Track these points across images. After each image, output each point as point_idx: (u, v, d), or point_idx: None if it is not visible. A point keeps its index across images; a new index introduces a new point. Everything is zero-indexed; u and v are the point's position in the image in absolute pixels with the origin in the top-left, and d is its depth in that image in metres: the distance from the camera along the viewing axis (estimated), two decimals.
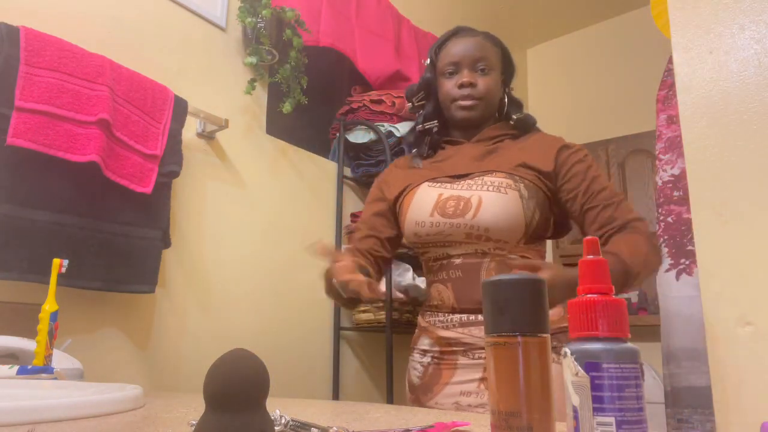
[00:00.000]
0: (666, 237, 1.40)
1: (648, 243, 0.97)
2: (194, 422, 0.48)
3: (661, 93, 1.51)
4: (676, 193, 1.41)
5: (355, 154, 2.02)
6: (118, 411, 0.61)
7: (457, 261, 1.05)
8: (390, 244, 1.18)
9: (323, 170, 1.98)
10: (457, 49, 1.14)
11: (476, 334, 1.03)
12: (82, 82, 1.16)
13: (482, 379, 1.01)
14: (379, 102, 1.96)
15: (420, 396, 1.09)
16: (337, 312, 1.89)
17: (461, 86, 1.11)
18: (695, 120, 1.00)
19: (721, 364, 0.92)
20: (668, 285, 1.36)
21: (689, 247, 1.34)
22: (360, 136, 1.97)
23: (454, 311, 1.05)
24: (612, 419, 0.32)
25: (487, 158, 1.11)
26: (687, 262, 1.35)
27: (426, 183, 1.12)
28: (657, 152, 1.48)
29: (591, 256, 0.37)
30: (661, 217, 1.42)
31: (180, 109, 1.39)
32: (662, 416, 1.31)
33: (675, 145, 1.43)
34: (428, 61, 1.20)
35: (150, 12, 1.48)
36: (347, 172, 2.04)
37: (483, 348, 1.00)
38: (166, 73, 1.46)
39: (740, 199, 0.94)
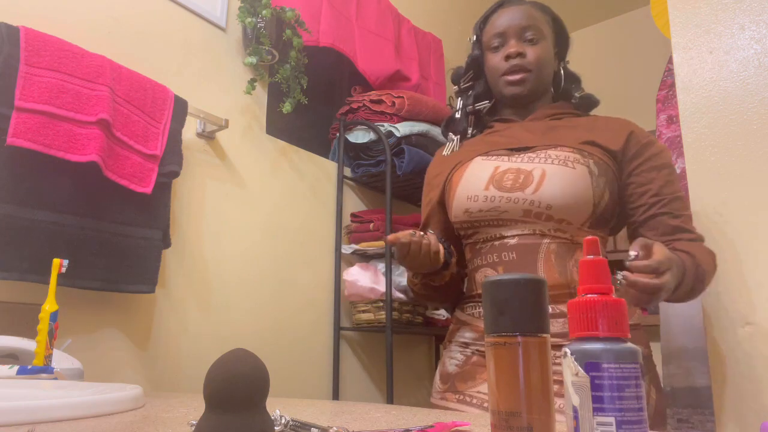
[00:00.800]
0: None
1: (709, 252, 0.89)
2: (194, 422, 0.48)
3: (661, 93, 1.51)
4: None
5: (355, 154, 2.03)
6: (118, 411, 0.61)
7: (512, 241, 0.92)
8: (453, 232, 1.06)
9: (323, 170, 1.98)
10: (502, 19, 1.03)
11: None
12: (82, 82, 1.16)
13: None
14: (379, 102, 1.96)
15: (457, 383, 0.97)
16: (337, 312, 1.89)
17: (508, 57, 1.01)
18: (695, 120, 1.00)
19: (721, 364, 0.92)
20: None
21: None
22: (360, 136, 1.97)
23: None
24: (612, 419, 0.32)
25: (549, 133, 0.98)
26: None
27: (479, 156, 1.00)
28: None
29: (591, 256, 0.37)
30: None
31: (180, 109, 1.39)
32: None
33: (675, 145, 1.43)
34: (473, 37, 1.09)
35: (150, 12, 1.48)
36: (347, 172, 2.04)
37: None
38: (166, 73, 1.46)
39: (740, 199, 0.94)
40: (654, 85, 1.62)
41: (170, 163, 1.33)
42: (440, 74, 2.44)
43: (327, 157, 2.02)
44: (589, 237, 0.38)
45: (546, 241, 0.91)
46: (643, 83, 2.84)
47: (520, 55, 1.00)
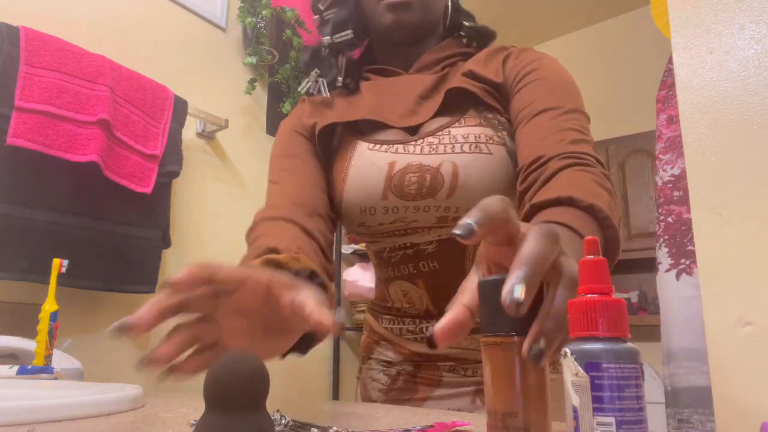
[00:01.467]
0: (666, 237, 1.40)
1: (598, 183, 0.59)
2: (194, 422, 0.48)
3: (661, 93, 1.51)
4: (676, 193, 1.41)
5: None
6: (118, 411, 0.61)
7: (429, 249, 0.74)
8: (331, 220, 0.76)
9: None
10: None
11: (466, 345, 0.74)
12: (82, 82, 1.16)
13: (476, 393, 0.76)
14: None
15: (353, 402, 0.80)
16: (337, 312, 1.89)
17: None
18: (695, 120, 1.00)
19: (721, 364, 0.92)
20: (668, 285, 1.36)
21: (689, 247, 1.34)
22: None
23: (429, 316, 0.76)
24: (612, 419, 0.32)
25: (440, 92, 0.76)
26: (687, 262, 1.35)
27: (364, 143, 0.75)
28: (657, 152, 1.48)
29: (591, 256, 0.37)
30: (661, 217, 1.42)
31: (180, 109, 1.39)
32: (662, 416, 1.31)
33: (675, 145, 1.43)
34: None
35: (150, 12, 1.48)
36: None
37: (476, 361, 0.75)
38: (166, 73, 1.46)
39: (740, 199, 0.94)
40: (654, 85, 1.62)
41: (170, 163, 1.33)
42: None
43: None
44: (589, 237, 0.38)
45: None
46: (643, 83, 2.84)
47: None
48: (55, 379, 0.83)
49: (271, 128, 1.80)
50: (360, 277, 1.82)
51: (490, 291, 0.39)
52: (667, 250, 1.39)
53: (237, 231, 1.62)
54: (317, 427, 0.45)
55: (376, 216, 0.73)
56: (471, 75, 0.74)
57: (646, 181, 2.81)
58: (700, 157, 0.98)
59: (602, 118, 3.23)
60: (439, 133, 0.73)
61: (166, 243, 1.35)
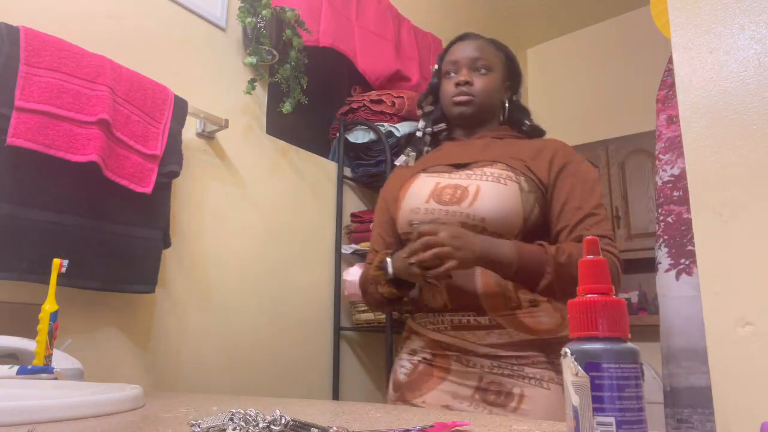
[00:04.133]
0: (666, 237, 1.40)
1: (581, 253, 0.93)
2: (194, 422, 0.48)
3: (661, 93, 1.51)
4: (676, 193, 1.41)
5: (355, 154, 2.02)
6: (118, 411, 0.61)
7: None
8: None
9: (323, 170, 1.98)
10: (458, 50, 1.16)
11: (470, 339, 0.99)
12: (82, 82, 1.16)
13: (477, 389, 0.97)
14: (379, 102, 1.96)
15: (406, 393, 1.04)
16: (337, 312, 1.89)
17: (457, 84, 1.12)
18: (695, 120, 1.00)
19: (721, 364, 0.91)
20: (668, 285, 1.36)
21: (689, 247, 1.34)
22: (360, 136, 1.97)
23: (446, 310, 1.01)
24: (612, 419, 0.32)
25: (489, 149, 1.09)
26: (687, 262, 1.35)
27: (423, 173, 1.10)
28: (657, 152, 1.48)
29: (591, 256, 0.37)
30: (661, 217, 1.42)
31: (180, 109, 1.39)
32: (662, 416, 1.31)
33: (675, 145, 1.43)
34: (435, 67, 1.21)
35: (150, 12, 1.48)
36: (347, 172, 2.04)
37: (477, 355, 0.98)
38: (166, 73, 1.46)
39: (740, 199, 0.94)
40: (654, 85, 1.62)
41: (170, 163, 1.33)
42: None
43: (327, 157, 2.02)
44: (589, 237, 0.38)
45: None
46: (643, 83, 2.84)
47: (468, 83, 1.11)
48: (55, 379, 0.83)
49: (271, 128, 1.80)
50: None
51: None
52: (666, 250, 1.39)
53: (237, 231, 1.63)
54: (317, 427, 0.45)
55: (419, 215, 1.02)
56: (521, 161, 1.03)
57: (646, 181, 2.81)
58: (700, 157, 0.98)
59: (602, 118, 3.23)
60: (476, 168, 1.04)
61: (166, 243, 1.35)
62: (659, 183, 1.44)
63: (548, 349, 0.97)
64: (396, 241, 1.13)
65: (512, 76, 1.19)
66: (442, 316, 1.02)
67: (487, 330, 0.98)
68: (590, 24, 3.38)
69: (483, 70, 1.12)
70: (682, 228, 1.38)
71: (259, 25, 1.65)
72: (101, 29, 1.36)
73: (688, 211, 1.19)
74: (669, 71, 1.46)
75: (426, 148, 1.21)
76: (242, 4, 1.66)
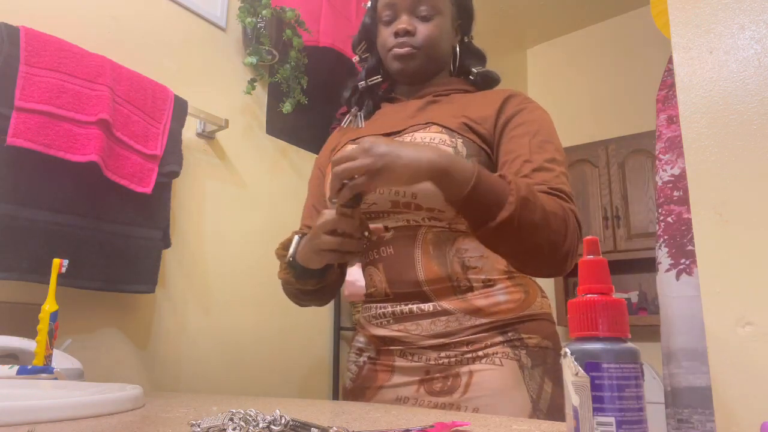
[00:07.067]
0: (666, 237, 1.40)
1: (556, 207, 0.76)
2: (194, 422, 0.48)
3: (661, 93, 1.51)
4: (676, 193, 1.41)
5: None
6: (118, 411, 0.61)
7: (387, 235, 0.88)
8: None
9: None
10: None
11: (413, 331, 0.86)
12: (82, 82, 1.16)
13: (422, 381, 0.86)
14: None
15: (351, 401, 0.94)
16: (337, 312, 1.89)
17: (396, 34, 0.94)
18: (695, 120, 1.00)
19: (721, 364, 0.91)
20: (668, 285, 1.36)
21: (689, 247, 1.34)
22: None
23: (387, 298, 0.88)
24: (612, 419, 0.32)
25: (427, 110, 0.93)
26: (687, 262, 1.35)
27: (349, 144, 0.94)
28: (657, 152, 1.48)
29: (591, 256, 0.37)
30: (661, 217, 1.42)
31: (180, 109, 1.39)
32: (662, 416, 1.31)
33: (675, 145, 1.43)
34: (368, 3, 1.01)
35: (150, 12, 1.48)
36: None
37: (421, 347, 0.87)
38: (166, 73, 1.46)
39: (740, 199, 0.94)
40: (654, 85, 1.62)
41: (170, 163, 1.33)
42: None
43: None
44: (589, 237, 0.38)
45: (422, 231, 0.86)
46: (643, 83, 2.84)
47: (408, 33, 0.93)
48: (55, 379, 0.83)
49: (271, 128, 1.80)
50: (360, 277, 1.81)
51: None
52: (667, 250, 1.39)
53: (237, 231, 1.62)
54: (317, 427, 0.45)
55: None
56: (463, 118, 0.89)
57: (646, 181, 2.81)
58: (700, 157, 0.98)
59: (602, 118, 3.23)
60: (406, 135, 0.89)
61: (166, 243, 1.35)
62: (659, 183, 1.44)
63: (508, 327, 0.85)
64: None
65: (462, 13, 1.00)
66: (384, 309, 0.89)
67: (432, 318, 0.85)
68: (590, 24, 3.38)
69: (426, 14, 0.94)
70: (683, 228, 1.38)
71: (259, 25, 1.65)
72: (101, 29, 1.36)
73: (688, 211, 1.19)
74: (669, 71, 1.46)
75: (368, 102, 1.03)
76: (242, 4, 1.66)
